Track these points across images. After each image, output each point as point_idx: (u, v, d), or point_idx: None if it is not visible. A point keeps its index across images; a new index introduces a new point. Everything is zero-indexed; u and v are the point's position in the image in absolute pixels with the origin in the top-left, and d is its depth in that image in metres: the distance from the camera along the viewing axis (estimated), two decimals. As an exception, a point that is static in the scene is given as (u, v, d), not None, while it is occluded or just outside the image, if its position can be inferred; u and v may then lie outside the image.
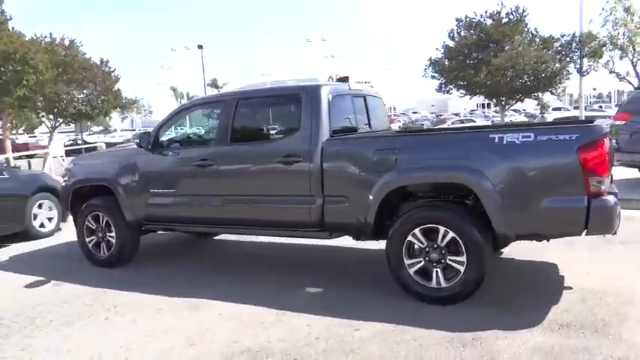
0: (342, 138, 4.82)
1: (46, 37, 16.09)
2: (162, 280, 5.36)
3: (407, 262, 4.32)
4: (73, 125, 21.41)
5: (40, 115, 17.73)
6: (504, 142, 3.95)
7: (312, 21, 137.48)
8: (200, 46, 41.15)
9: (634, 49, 18.62)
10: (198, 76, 42.24)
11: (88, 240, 6.08)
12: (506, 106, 18.05)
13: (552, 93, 16.38)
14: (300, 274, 5.37)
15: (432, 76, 17.26)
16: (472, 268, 4.07)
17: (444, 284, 4.20)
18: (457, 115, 56.40)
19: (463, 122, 38.48)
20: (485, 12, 16.20)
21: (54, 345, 3.92)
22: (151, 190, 5.58)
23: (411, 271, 4.31)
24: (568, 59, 16.32)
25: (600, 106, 46.97)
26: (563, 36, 16.40)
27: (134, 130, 50.45)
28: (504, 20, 15.97)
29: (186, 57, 48.58)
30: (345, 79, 5.40)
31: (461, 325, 3.80)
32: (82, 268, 5.92)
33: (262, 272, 5.47)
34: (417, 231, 4.25)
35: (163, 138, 5.63)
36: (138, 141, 5.64)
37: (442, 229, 4.16)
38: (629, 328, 3.63)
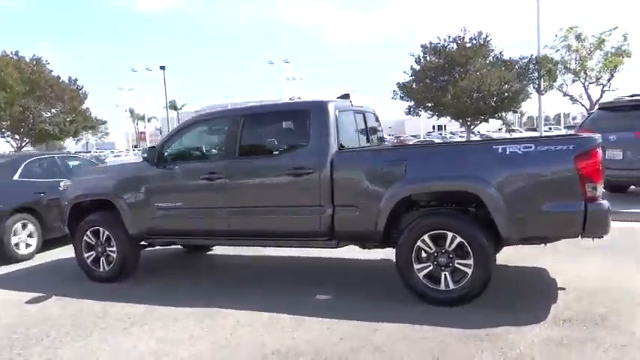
0: (352, 150, 5.09)
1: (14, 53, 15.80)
2: (167, 293, 5.41)
3: (416, 266, 4.57)
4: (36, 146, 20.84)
5: (6, 135, 17.24)
6: (507, 153, 4.30)
7: (273, 44, 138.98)
8: (162, 67, 40.88)
9: (585, 74, 19.84)
10: (157, 97, 42.02)
11: (86, 255, 6.06)
12: (472, 127, 18.89)
13: (514, 112, 17.23)
14: (305, 283, 5.54)
15: (402, 98, 17.87)
16: (479, 270, 4.36)
17: (452, 286, 4.47)
18: (415, 136, 58.11)
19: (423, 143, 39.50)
20: (449, 37, 17.04)
21: (81, 354, 3.94)
22: (157, 204, 5.65)
23: (421, 275, 4.56)
24: (527, 80, 17.28)
25: (550, 128, 49.28)
26: (522, 59, 17.40)
27: (89, 152, 49.48)
28: (468, 45, 16.79)
29: (147, 78, 48.30)
30: (346, 96, 5.68)
31: (472, 323, 4.06)
32: (79, 284, 5.89)
33: (266, 283, 5.60)
34: (426, 237, 4.52)
35: (168, 153, 5.72)
36: (145, 155, 5.73)
37: (450, 234, 4.44)
38: (625, 321, 3.97)
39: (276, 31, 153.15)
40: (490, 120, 18.62)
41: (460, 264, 4.44)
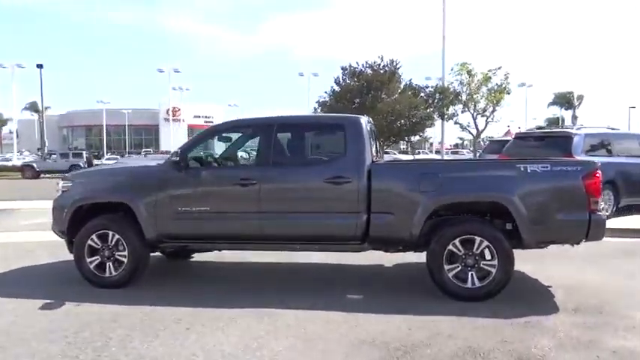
0: (390, 163, 5.64)
1: None
2: (191, 297, 5.42)
3: (446, 267, 5.22)
4: None
5: None
6: (529, 171, 5.16)
7: (162, 54, 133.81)
8: (40, 66, 37.69)
9: (474, 106, 22.40)
10: (18, 97, 38.56)
11: (89, 260, 5.82)
12: (385, 147, 20.34)
13: (420, 136, 18.96)
14: (328, 285, 5.91)
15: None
16: (501, 270, 5.13)
17: (478, 284, 5.18)
18: None
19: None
20: (366, 62, 18.36)
21: (167, 351, 3.97)
22: (180, 209, 5.67)
23: (450, 275, 5.22)
24: (433, 107, 19.18)
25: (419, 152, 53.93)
26: (427, 87, 19.28)
27: None
28: (382, 71, 18.22)
29: (17, 76, 43.96)
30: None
31: (505, 315, 4.77)
32: (82, 289, 5.65)
33: (286, 286, 5.88)
34: (456, 241, 5.20)
35: (193, 157, 5.77)
36: (169, 159, 5.73)
37: (478, 239, 5.16)
38: (618, 308, 4.96)
39: (156, 38, 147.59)
40: (401, 141, 20.31)
41: (485, 265, 5.17)
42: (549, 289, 5.71)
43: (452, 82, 22.51)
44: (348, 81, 18.19)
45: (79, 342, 4.22)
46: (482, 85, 22.51)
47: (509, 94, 22.58)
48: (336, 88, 18.36)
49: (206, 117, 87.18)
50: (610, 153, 10.86)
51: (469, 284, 5.20)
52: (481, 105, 22.14)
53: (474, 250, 5.18)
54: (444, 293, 5.26)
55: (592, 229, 5.10)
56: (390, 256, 6.34)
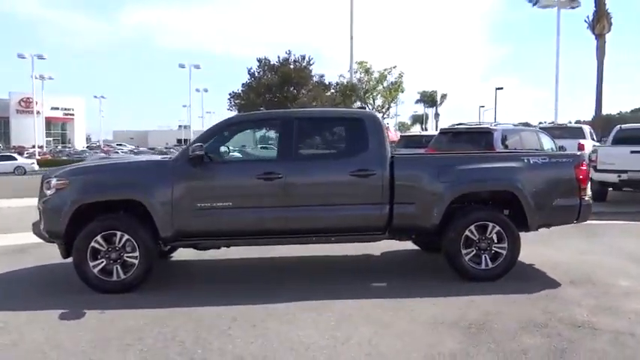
0: (409, 155, 5.91)
1: None
2: (220, 295, 5.27)
3: (464, 251, 5.69)
4: None
5: None
6: (531, 162, 5.80)
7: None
8: None
9: (373, 101, 23.61)
10: None
11: (93, 264, 5.35)
12: None
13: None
14: (344, 275, 6.09)
15: (235, 108, 18.40)
16: (511, 252, 5.72)
17: (491, 265, 5.72)
18: (153, 149, 57.88)
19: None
20: (279, 57, 18.44)
21: (260, 347, 3.90)
22: (199, 205, 5.45)
23: (467, 258, 5.70)
24: (350, 102, 19.88)
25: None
26: (337, 84, 19.87)
27: None
28: (292, 66, 18.44)
29: None
30: (364, 107, 6.46)
31: (519, 291, 5.34)
32: (88, 296, 5.23)
33: (301, 279, 5.95)
34: (472, 227, 5.69)
35: (209, 151, 5.55)
36: (183, 153, 5.46)
37: (491, 224, 5.70)
38: (604, 278, 5.79)
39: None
40: None
41: (497, 247, 5.72)
42: (534, 266, 6.44)
43: (350, 81, 23.46)
44: (262, 74, 18.12)
45: (152, 348, 3.95)
46: (379, 83, 23.80)
47: (402, 92, 24.24)
48: (252, 81, 18.17)
49: (66, 109, 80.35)
50: (521, 145, 12.28)
51: (483, 266, 5.71)
52: (378, 102, 23.49)
53: (487, 234, 5.71)
54: (460, 275, 5.71)
55: (582, 213, 5.90)
56: (378, 245, 6.60)
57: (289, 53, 18.30)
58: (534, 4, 27.65)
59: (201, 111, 68.86)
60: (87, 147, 69.22)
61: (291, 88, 17.74)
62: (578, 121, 22.82)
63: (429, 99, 63.64)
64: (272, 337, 4.15)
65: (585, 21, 27.20)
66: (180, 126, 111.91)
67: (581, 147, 16.90)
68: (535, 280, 5.79)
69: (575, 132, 18.24)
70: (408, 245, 7.06)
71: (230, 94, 18.52)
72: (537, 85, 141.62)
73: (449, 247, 5.70)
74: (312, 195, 5.61)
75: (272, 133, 6.09)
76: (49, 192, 5.51)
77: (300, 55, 18.30)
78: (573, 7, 24.82)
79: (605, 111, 29.07)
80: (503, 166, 5.85)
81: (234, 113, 19.15)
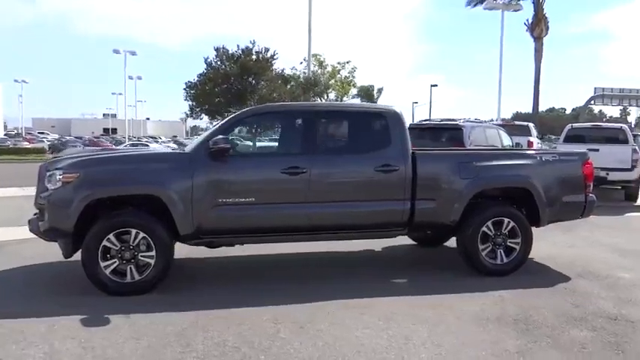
0: (432, 152, 5.90)
1: None
2: (243, 294, 5.06)
3: (480, 247, 5.78)
4: None
5: None
6: (543, 160, 5.97)
7: None
8: None
9: (327, 96, 23.58)
10: None
11: (104, 265, 4.96)
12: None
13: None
14: (359, 273, 6.02)
15: (190, 98, 17.69)
16: (524, 247, 5.87)
17: (505, 260, 5.85)
18: (80, 138, 55.66)
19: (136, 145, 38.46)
20: (238, 47, 17.91)
21: (341, 338, 3.75)
22: (221, 200, 5.18)
23: (484, 253, 5.79)
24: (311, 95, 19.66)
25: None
26: (298, 77, 19.61)
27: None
28: (254, 57, 18.01)
29: None
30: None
31: (536, 284, 5.52)
32: (98, 298, 4.86)
33: (319, 277, 5.82)
34: (489, 223, 5.78)
35: (228, 144, 5.28)
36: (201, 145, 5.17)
37: (506, 220, 5.82)
38: (605, 272, 6.07)
39: None
40: None
41: (511, 243, 5.86)
42: (534, 260, 6.65)
43: (304, 72, 23.29)
44: (220, 64, 17.52)
45: (209, 356, 3.70)
46: (332, 78, 23.80)
47: (355, 86, 24.37)
48: (207, 71, 17.52)
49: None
50: (486, 142, 12.70)
51: (498, 261, 5.83)
52: (332, 96, 23.45)
53: (502, 230, 5.82)
54: (477, 270, 5.80)
55: (587, 208, 6.16)
56: (378, 241, 6.87)
57: (253, 43, 17.90)
58: (475, 5, 28.72)
59: (135, 99, 65.91)
60: (5, 135, 64.46)
61: (251, 79, 17.29)
62: (504, 119, 24.14)
63: (366, 94, 64.65)
64: (329, 339, 3.99)
65: (525, 24, 28.65)
66: (105, 114, 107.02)
67: (530, 144, 17.72)
68: (544, 274, 5.99)
69: (523, 129, 19.09)
70: (405, 240, 7.06)
71: (186, 84, 17.84)
72: (460, 84, 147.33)
73: (467, 242, 5.76)
74: (337, 190, 5.48)
75: (277, 127, 5.86)
76: (52, 186, 5.02)
77: (264, 47, 17.94)
78: (516, 10, 26.03)
79: (523, 110, 30.71)
80: (518, 163, 5.98)
81: (187, 104, 18.53)
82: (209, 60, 17.45)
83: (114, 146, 39.69)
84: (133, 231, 4.99)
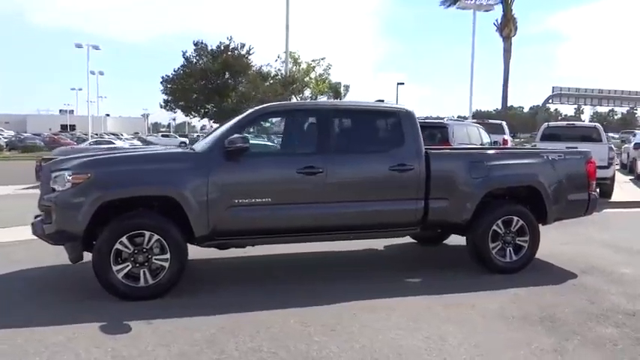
0: (445, 151, 5.90)
1: None
2: (262, 295, 4.96)
3: (491, 245, 5.83)
4: None
5: None
6: (550, 159, 6.07)
7: None
8: None
9: (302, 93, 23.47)
10: None
11: (117, 269, 4.77)
12: None
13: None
14: (369, 272, 5.98)
15: (166, 92, 17.25)
16: (532, 245, 5.96)
17: (514, 258, 5.92)
18: (39, 135, 54.07)
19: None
20: (221, 43, 17.57)
21: (379, 340, 3.69)
22: (237, 201, 5.05)
23: (494, 252, 5.85)
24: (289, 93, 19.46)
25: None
26: (275, 75, 19.39)
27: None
28: (231, 53, 17.71)
29: None
30: (382, 101, 6.36)
31: (545, 282, 5.61)
32: (112, 304, 4.68)
33: (329, 278, 5.75)
34: (499, 222, 5.84)
35: (243, 143, 5.14)
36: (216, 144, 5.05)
37: (515, 218, 5.89)
38: (609, 267, 6.22)
39: None
40: None
41: (520, 241, 5.93)
42: (536, 257, 6.75)
43: (279, 69, 23.12)
44: (199, 59, 17.15)
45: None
46: (306, 75, 23.68)
47: (330, 84, 24.27)
48: (185, 66, 17.11)
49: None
50: (469, 139, 12.89)
51: (507, 259, 5.89)
52: (307, 93, 23.35)
53: (512, 228, 5.89)
54: (487, 269, 5.85)
55: (590, 206, 6.30)
56: (379, 240, 6.91)
57: (230, 39, 17.58)
58: (449, 5, 29.15)
59: (96, 95, 64.00)
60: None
61: (229, 76, 16.98)
62: (460, 117, 24.67)
63: (333, 90, 64.80)
64: (365, 341, 3.94)
65: (494, 24, 29.26)
66: (62, 111, 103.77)
67: (505, 142, 18.09)
68: (549, 271, 6.09)
69: (497, 128, 19.47)
70: (404, 239, 7.06)
71: (163, 78, 17.37)
72: (422, 82, 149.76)
73: (478, 241, 5.80)
74: (353, 190, 5.43)
75: (274, 126, 5.76)
76: (60, 187, 4.78)
77: (239, 43, 17.65)
78: (487, 10, 26.54)
79: (483, 108, 31.39)
80: (527, 162, 6.06)
81: (162, 97, 18.04)
82: (187, 55, 17.10)
83: (75, 144, 38.56)
84: (147, 233, 4.82)
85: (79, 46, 43.73)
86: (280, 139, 5.57)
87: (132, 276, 4.83)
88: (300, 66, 23.93)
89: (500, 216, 5.84)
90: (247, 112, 5.44)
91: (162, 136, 63.03)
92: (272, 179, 5.22)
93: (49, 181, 4.95)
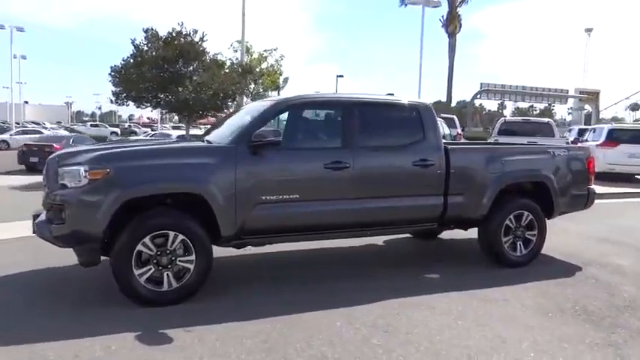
0: (462, 146, 5.87)
1: None
2: (294, 296, 4.75)
3: (503, 239, 5.91)
4: None
5: None
6: (556, 154, 6.22)
7: None
8: None
9: (255, 83, 22.97)
10: None
11: (139, 273, 4.39)
12: (191, 122, 18.84)
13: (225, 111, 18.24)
14: (386, 268, 5.89)
15: (116, 84, 16.20)
16: (539, 238, 6.10)
17: (524, 252, 6.04)
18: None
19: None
20: (173, 29, 16.71)
21: (442, 340, 3.59)
22: (264, 197, 4.79)
23: (506, 246, 5.93)
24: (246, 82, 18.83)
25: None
26: (232, 64, 18.73)
27: None
28: (182, 39, 16.91)
29: None
30: (392, 94, 6.27)
31: (555, 275, 5.74)
32: (129, 311, 4.33)
33: (349, 274, 5.62)
34: (511, 216, 5.93)
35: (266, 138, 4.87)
36: (233, 139, 4.81)
37: (526, 213, 6.00)
38: (605, 259, 6.47)
39: None
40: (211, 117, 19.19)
41: (529, 235, 6.05)
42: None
43: (230, 59, 22.51)
44: (151, 46, 16.17)
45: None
46: (258, 65, 23.18)
47: (281, 74, 23.91)
48: (135, 54, 16.08)
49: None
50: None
51: (518, 252, 6.00)
52: (251, 87, 22.80)
53: (522, 222, 6.00)
54: (499, 262, 5.92)
55: (589, 200, 6.52)
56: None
57: (181, 25, 16.73)
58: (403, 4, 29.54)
59: (15, 80, 59.50)
60: None
61: (185, 64, 16.17)
62: None
63: (272, 83, 64.67)
64: (426, 343, 3.83)
65: (440, 20, 30.00)
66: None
67: (459, 136, 18.61)
68: (554, 264, 6.24)
69: (450, 122, 19.96)
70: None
71: (112, 68, 16.28)
72: (353, 75, 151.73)
73: (491, 236, 5.85)
74: (378, 186, 5.29)
75: (315, 119, 5.53)
76: (74, 183, 4.31)
77: (192, 29, 16.83)
78: (435, 7, 27.11)
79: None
80: (537, 158, 6.18)
81: (111, 89, 17.04)
82: (136, 42, 16.07)
83: None
84: (172, 233, 4.46)
85: (1, 27, 40.72)
86: (304, 133, 5.30)
87: (155, 280, 4.47)
88: (252, 56, 23.42)
89: (512, 211, 5.92)
90: (272, 104, 5.16)
91: (92, 125, 59.93)
92: (300, 175, 4.99)
93: (56, 176, 4.46)
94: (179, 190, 4.56)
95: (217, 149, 4.80)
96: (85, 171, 4.28)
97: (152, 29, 16.48)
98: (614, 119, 72.34)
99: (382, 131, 5.51)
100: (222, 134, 5.25)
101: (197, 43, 16.99)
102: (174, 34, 16.75)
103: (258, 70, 23.37)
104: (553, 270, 5.92)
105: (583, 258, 6.47)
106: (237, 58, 22.49)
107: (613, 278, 5.67)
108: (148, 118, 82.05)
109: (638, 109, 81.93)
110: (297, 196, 4.92)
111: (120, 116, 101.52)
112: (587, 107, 45.90)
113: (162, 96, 16.32)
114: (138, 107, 17.30)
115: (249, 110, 5.56)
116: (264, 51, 24.24)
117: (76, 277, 5.16)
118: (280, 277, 5.44)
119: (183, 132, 21.61)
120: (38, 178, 8.10)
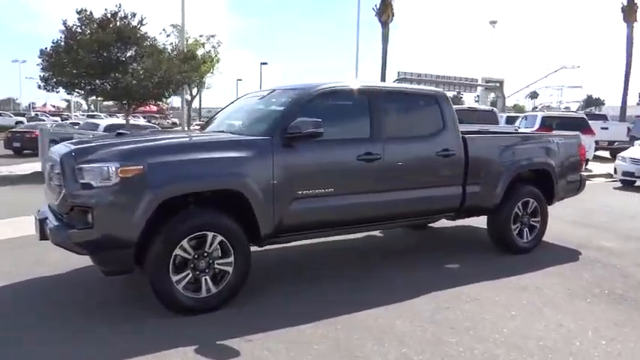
0: (479, 136, 5.87)
1: None
2: (334, 292, 4.56)
3: (512, 226, 6.03)
4: None
5: None
6: (555, 142, 6.42)
7: None
8: None
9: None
10: None
11: (176, 279, 4.00)
12: (130, 110, 17.46)
13: (166, 99, 17.27)
14: (405, 260, 5.80)
15: (45, 69, 14.71)
16: (542, 224, 6.29)
17: (530, 238, 6.20)
18: None
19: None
20: (109, 11, 15.44)
21: (516, 337, 3.54)
22: (300, 192, 4.52)
23: (515, 232, 6.06)
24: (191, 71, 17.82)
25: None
26: (173, 50, 17.66)
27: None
28: (119, 23, 15.77)
29: None
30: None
31: (560, 260, 5.93)
32: (163, 321, 3.97)
33: (378, 267, 5.50)
34: (519, 204, 6.05)
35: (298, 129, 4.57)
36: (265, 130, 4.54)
37: (531, 200, 6.16)
38: (598, 243, 6.80)
39: None
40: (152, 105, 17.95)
41: (533, 221, 6.22)
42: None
43: (163, 44, 21.33)
44: (85, 28, 14.80)
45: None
46: (194, 50, 22.21)
47: (218, 62, 23.06)
48: (66, 37, 14.63)
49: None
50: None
51: (524, 239, 6.15)
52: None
53: (528, 210, 6.15)
54: (508, 249, 6.04)
55: (581, 186, 6.81)
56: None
57: (119, 7, 15.44)
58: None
59: None
60: None
61: (123, 49, 15.00)
62: None
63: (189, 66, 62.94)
64: (495, 335, 3.79)
65: (373, 9, 30.26)
66: None
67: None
68: (554, 249, 6.42)
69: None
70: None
71: (41, 51, 14.69)
72: (271, 61, 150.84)
73: (502, 224, 5.95)
74: (407, 177, 5.18)
75: (343, 109, 5.26)
76: (100, 182, 3.81)
77: (130, 12, 15.61)
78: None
79: None
80: (541, 147, 6.33)
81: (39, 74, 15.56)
82: (68, 24, 14.66)
83: None
84: (210, 234, 4.09)
85: None
86: (336, 123, 5.01)
87: (191, 286, 4.09)
88: (187, 41, 22.29)
89: (520, 198, 6.04)
90: (298, 94, 4.85)
91: (-6, 113, 55.03)
92: (335, 167, 4.75)
93: (73, 174, 3.90)
94: (217, 188, 4.18)
95: (253, 142, 4.43)
96: (116, 168, 3.80)
97: (86, 10, 15.18)
98: (516, 107, 77.54)
99: (407, 121, 5.39)
100: (238, 125, 4.91)
101: (135, 26, 15.91)
102: (109, 17, 15.54)
103: (201, 55, 22.43)
104: (558, 255, 6.11)
105: (575, 242, 6.74)
106: (171, 43, 21.44)
107: (613, 260, 5.94)
108: (53, 106, 76.61)
109: (536, 97, 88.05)
110: (332, 189, 4.69)
111: (19, 104, 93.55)
112: (492, 95, 48.83)
113: (97, 82, 15.09)
114: (69, 94, 15.94)
115: (265, 99, 5.23)
116: (200, 36, 23.33)
117: (72, 284, 4.62)
118: (298, 275, 5.23)
119: (111, 121, 20.12)
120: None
